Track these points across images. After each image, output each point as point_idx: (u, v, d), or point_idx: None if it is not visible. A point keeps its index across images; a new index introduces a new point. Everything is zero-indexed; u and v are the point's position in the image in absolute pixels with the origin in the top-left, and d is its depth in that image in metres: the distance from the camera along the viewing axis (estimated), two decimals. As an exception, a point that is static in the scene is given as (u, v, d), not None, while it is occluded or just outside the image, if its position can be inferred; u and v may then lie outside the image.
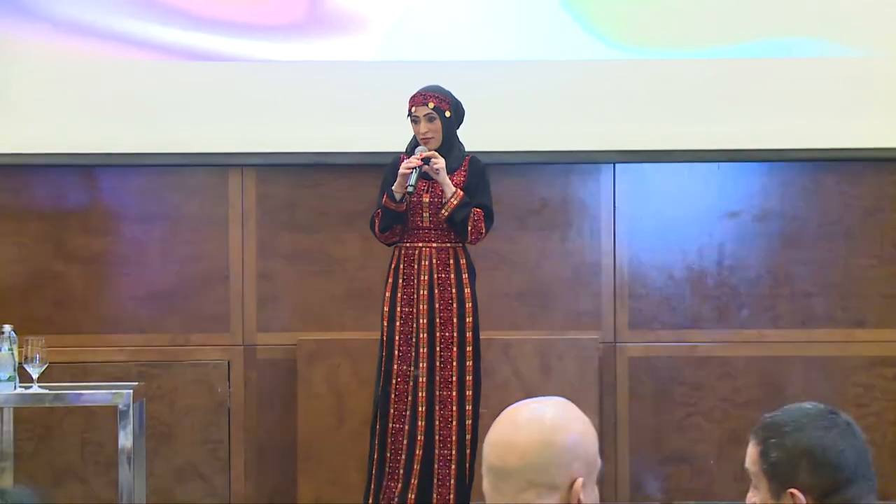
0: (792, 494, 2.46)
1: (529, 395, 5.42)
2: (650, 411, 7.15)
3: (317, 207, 7.24)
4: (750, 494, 2.55)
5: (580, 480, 2.27)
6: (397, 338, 6.01)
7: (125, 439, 5.79)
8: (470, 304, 6.06)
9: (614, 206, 7.16)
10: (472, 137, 6.53)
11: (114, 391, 5.92)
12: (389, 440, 6.05)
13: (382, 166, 6.33)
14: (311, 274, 7.15)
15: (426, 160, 5.86)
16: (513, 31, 7.10)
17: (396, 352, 6.02)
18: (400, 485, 6.04)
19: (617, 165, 7.12)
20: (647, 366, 7.19)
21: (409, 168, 5.89)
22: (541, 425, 2.31)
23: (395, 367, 6.02)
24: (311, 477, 6.99)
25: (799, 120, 7.05)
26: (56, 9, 7.03)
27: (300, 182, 7.16)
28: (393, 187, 5.96)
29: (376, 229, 6.08)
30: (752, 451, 2.53)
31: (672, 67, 7.07)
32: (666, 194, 7.22)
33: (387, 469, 6.05)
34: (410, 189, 5.93)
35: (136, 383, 6.17)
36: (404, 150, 6.13)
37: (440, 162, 5.88)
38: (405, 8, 7.08)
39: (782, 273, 7.17)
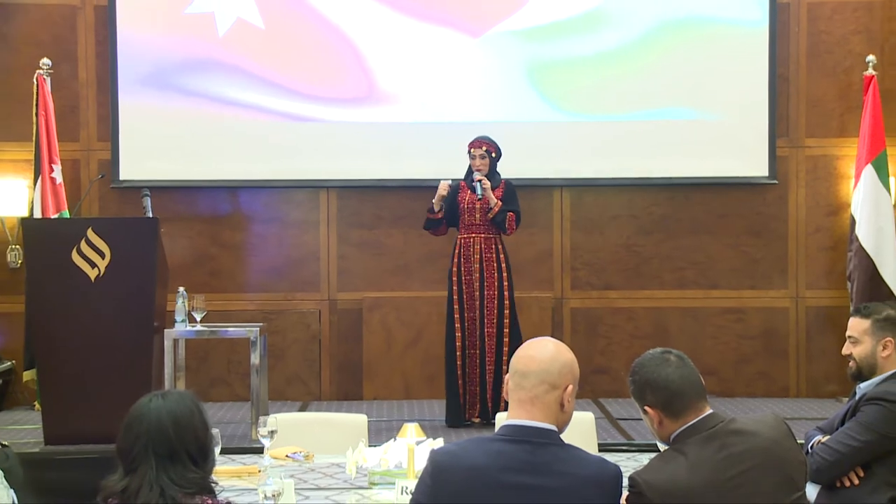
0: (645, 410, 2.83)
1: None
2: (584, 342, 8.25)
3: (375, 213, 8.26)
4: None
5: (571, 386, 2.64)
6: (464, 297, 6.87)
7: (255, 359, 6.52)
8: (506, 273, 6.91)
9: (562, 214, 8.27)
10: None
11: (247, 329, 6.66)
12: (465, 363, 6.85)
13: (420, 188, 7.31)
14: (371, 256, 8.21)
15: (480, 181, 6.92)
16: (500, 103, 8.11)
17: (462, 305, 6.89)
18: (478, 390, 6.92)
19: (563, 188, 8.27)
20: (582, 313, 8.28)
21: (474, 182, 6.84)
22: (551, 348, 2.68)
23: (457, 315, 6.91)
24: (371, 382, 8.18)
25: (677, 158, 8.14)
26: (217, 91, 8.05)
27: (364, 197, 8.21)
28: (433, 200, 6.82)
29: (438, 229, 6.86)
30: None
31: (599, 126, 8.13)
32: (595, 206, 8.28)
33: (467, 382, 6.84)
34: (480, 195, 6.81)
35: (261, 324, 6.86)
36: (462, 177, 7.04)
37: (488, 183, 6.96)
38: (431, 90, 8.12)
39: (666, 254, 8.27)
